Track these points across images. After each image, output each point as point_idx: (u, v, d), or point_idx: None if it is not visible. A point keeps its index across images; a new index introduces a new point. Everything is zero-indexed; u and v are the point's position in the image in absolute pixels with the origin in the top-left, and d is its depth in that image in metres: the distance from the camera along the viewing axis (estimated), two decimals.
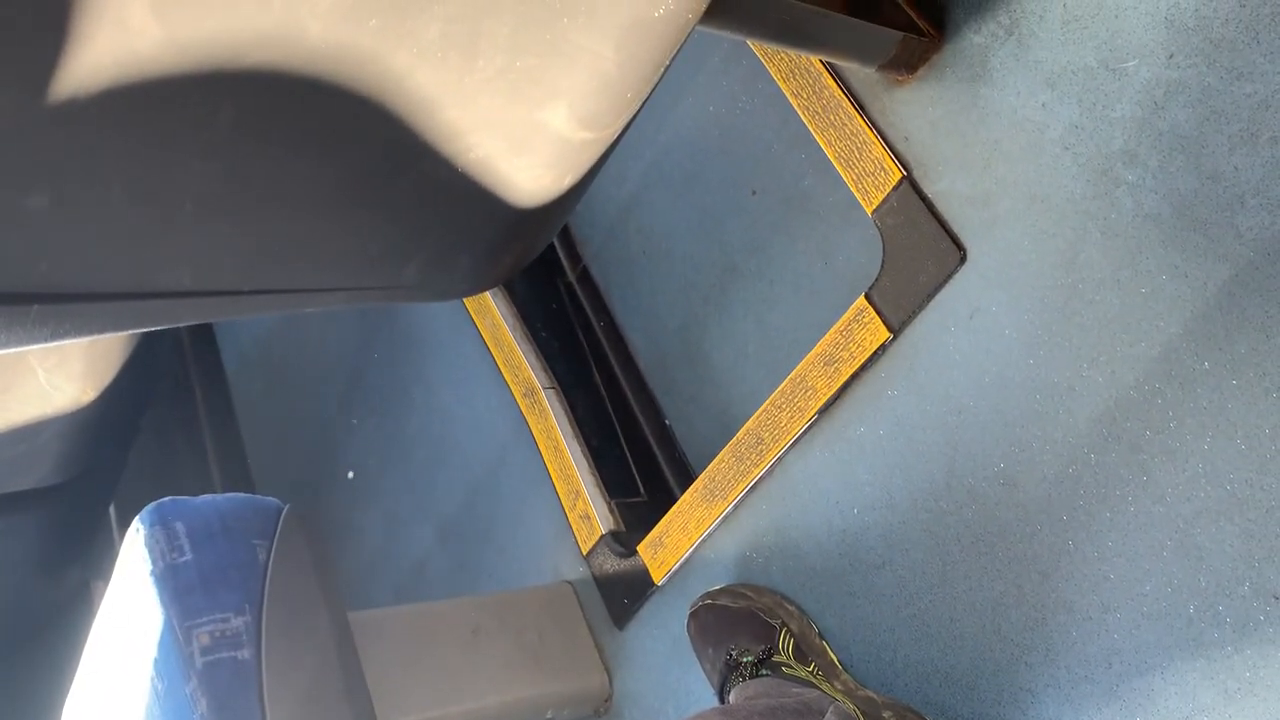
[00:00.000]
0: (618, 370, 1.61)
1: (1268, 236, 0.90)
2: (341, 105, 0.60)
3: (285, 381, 2.20)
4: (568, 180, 0.74)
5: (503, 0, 0.60)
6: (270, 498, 1.30)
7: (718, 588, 1.25)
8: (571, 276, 1.69)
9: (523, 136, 0.69)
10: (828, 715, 0.98)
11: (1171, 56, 0.95)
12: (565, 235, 1.71)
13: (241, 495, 1.30)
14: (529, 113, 0.67)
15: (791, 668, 1.11)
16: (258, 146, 0.61)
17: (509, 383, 1.59)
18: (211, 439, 2.25)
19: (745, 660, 1.12)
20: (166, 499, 1.23)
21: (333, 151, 0.63)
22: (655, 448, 1.55)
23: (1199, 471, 0.93)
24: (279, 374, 2.23)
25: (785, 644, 1.15)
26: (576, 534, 1.48)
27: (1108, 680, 0.97)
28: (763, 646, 1.14)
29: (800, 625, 1.18)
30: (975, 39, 1.07)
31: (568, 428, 1.52)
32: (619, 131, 0.76)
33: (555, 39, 0.64)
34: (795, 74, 1.22)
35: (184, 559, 1.16)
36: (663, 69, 0.75)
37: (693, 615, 1.24)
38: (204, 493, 1.29)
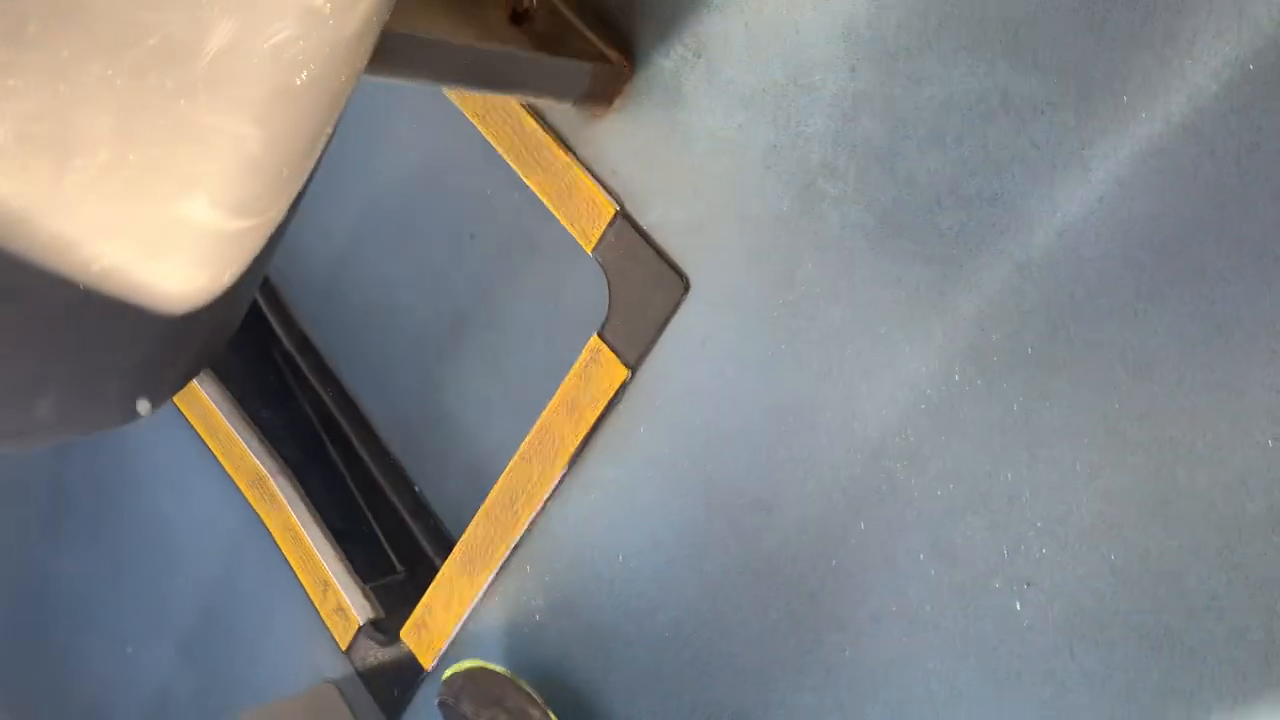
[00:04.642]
0: (355, 441, 1.49)
1: (967, 233, 0.92)
2: None
3: None
4: (228, 275, 0.64)
5: (96, 88, 0.49)
6: None
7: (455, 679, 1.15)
8: (289, 345, 1.56)
9: (159, 237, 0.58)
10: None
11: (854, 69, 0.95)
12: (275, 301, 1.56)
13: None
14: (160, 209, 0.57)
15: None
16: None
17: (231, 473, 1.44)
18: None
19: None
20: None
21: None
22: (408, 519, 1.44)
23: (941, 471, 0.94)
24: None
25: None
26: (332, 629, 1.35)
27: (887, 693, 0.96)
28: None
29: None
30: (665, 64, 1.05)
31: (304, 513, 1.38)
32: (284, 211, 0.67)
33: (176, 123, 0.54)
34: (491, 114, 1.16)
35: None
36: (325, 137, 0.66)
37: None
38: None
